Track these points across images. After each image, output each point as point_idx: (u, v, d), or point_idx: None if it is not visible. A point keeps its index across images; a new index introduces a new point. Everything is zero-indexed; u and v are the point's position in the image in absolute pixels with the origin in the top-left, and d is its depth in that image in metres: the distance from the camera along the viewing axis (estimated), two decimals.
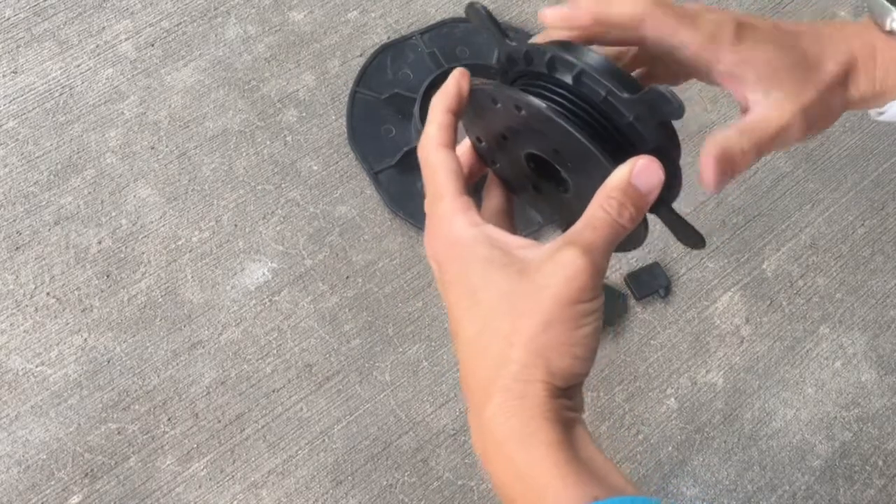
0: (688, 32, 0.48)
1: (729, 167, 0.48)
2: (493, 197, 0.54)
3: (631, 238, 0.48)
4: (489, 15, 0.50)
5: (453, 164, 0.48)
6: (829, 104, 0.52)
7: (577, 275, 0.43)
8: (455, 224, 0.47)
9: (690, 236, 0.51)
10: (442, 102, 0.49)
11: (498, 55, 0.51)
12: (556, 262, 0.43)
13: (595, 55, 0.47)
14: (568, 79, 0.47)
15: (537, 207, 0.55)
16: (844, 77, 0.52)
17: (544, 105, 0.45)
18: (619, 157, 0.45)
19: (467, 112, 0.51)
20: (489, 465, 0.44)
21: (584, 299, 0.43)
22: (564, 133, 0.45)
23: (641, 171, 0.44)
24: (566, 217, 0.46)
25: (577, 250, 0.43)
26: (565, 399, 0.44)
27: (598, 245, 0.44)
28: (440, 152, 0.48)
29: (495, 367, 0.43)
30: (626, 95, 0.45)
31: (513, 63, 0.50)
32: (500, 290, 0.44)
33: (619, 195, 0.44)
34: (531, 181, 0.52)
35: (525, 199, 0.55)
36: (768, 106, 0.49)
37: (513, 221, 0.55)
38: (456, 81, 0.49)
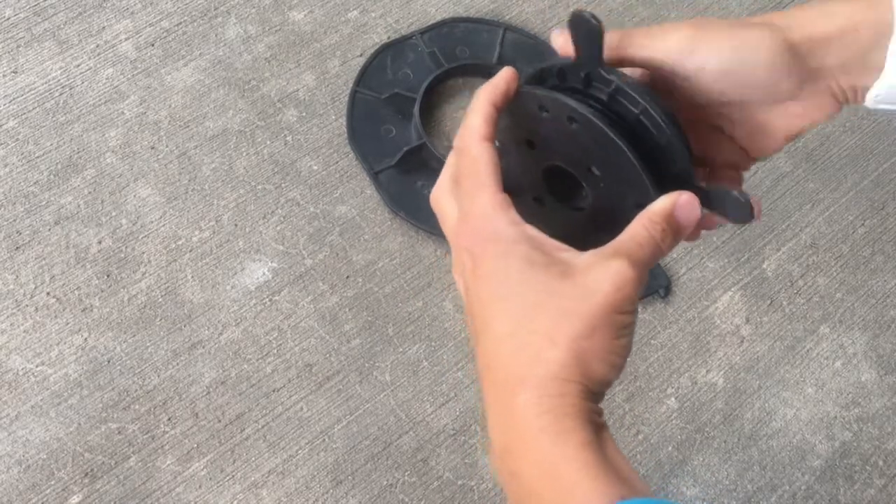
0: (654, 46, 0.50)
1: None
2: None
3: None
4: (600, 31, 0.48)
5: (495, 159, 0.49)
6: (801, 56, 0.50)
7: (626, 284, 0.44)
8: (497, 220, 0.47)
9: (736, 208, 0.48)
10: (489, 95, 0.49)
11: (533, 70, 0.51)
12: (606, 270, 0.44)
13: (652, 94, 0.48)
14: (629, 112, 0.48)
15: (525, 215, 0.55)
16: (811, 45, 0.51)
17: (618, 139, 0.46)
18: (660, 188, 0.47)
19: None
20: (512, 458, 0.44)
21: (627, 310, 0.44)
22: (618, 155, 0.46)
23: (684, 205, 0.46)
24: (558, 232, 0.47)
25: (626, 261, 0.44)
26: (594, 403, 0.44)
27: (642, 260, 0.45)
28: (482, 144, 0.49)
29: (531, 363, 0.44)
30: (687, 154, 0.47)
31: (573, 80, 0.50)
32: (542, 289, 0.45)
33: (663, 221, 0.46)
34: (536, 191, 0.52)
35: (516, 205, 0.55)
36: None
37: None
38: (505, 79, 0.50)
